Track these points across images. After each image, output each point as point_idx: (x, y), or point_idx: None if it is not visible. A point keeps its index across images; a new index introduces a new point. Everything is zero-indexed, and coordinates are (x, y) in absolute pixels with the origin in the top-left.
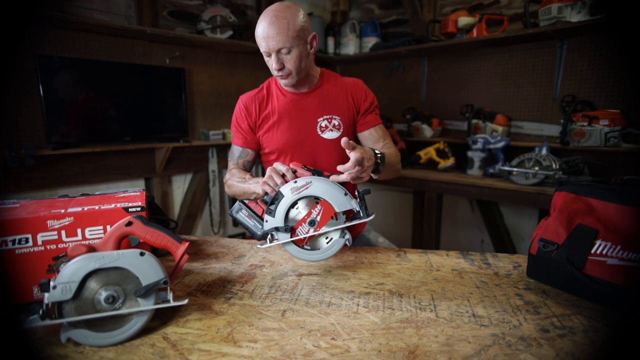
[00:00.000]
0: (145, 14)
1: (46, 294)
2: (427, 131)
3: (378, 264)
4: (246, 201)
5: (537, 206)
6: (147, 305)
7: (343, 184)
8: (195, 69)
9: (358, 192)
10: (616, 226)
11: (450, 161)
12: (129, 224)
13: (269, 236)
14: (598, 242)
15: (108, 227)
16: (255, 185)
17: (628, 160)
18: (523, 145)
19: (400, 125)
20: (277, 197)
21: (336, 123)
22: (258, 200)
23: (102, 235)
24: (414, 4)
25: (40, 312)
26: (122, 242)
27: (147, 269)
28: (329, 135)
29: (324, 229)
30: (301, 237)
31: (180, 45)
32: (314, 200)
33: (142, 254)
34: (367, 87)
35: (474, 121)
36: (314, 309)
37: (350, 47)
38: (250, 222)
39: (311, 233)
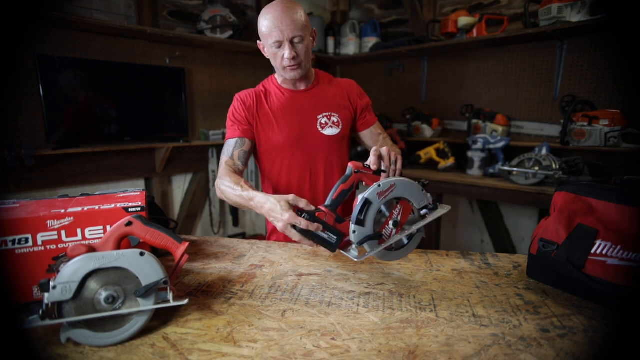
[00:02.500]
0: (145, 14)
1: (46, 294)
2: (427, 131)
3: (378, 264)
4: (312, 211)
5: (537, 206)
6: (147, 305)
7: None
8: (195, 69)
9: (421, 183)
10: (616, 226)
11: (450, 161)
12: (129, 224)
13: (354, 246)
14: (598, 242)
15: (108, 227)
16: (253, 202)
17: (628, 160)
18: (523, 145)
19: (400, 125)
20: (364, 205)
21: (335, 120)
22: (324, 209)
23: (102, 235)
24: (414, 4)
25: (40, 312)
26: (122, 242)
27: (147, 269)
28: (330, 131)
29: (406, 228)
30: (388, 243)
31: (180, 45)
32: (394, 200)
33: (142, 254)
34: (360, 87)
35: (474, 121)
36: (314, 309)
37: (350, 47)
38: (325, 235)
39: (396, 237)
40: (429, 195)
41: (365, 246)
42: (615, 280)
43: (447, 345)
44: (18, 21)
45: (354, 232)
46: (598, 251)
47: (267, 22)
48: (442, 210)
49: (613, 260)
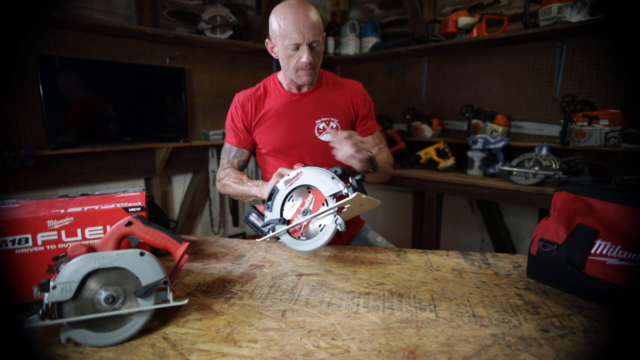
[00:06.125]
0: (145, 14)
1: (46, 294)
2: (427, 131)
3: (378, 264)
4: (256, 205)
5: (537, 206)
6: (147, 305)
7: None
8: (195, 69)
9: (352, 178)
10: (616, 226)
11: (450, 161)
12: (129, 224)
13: (269, 230)
14: (598, 242)
15: (108, 227)
16: (256, 189)
17: (628, 160)
18: (523, 145)
19: (400, 125)
20: (273, 193)
21: (334, 125)
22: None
23: (102, 235)
24: (414, 4)
25: (40, 312)
26: (122, 242)
27: (147, 269)
28: (326, 137)
29: (313, 215)
30: (293, 225)
31: (180, 45)
32: (306, 190)
33: (142, 254)
34: (366, 92)
35: (474, 121)
36: (314, 309)
37: (350, 47)
38: (259, 223)
39: (299, 220)
40: (341, 184)
41: (277, 230)
42: (615, 280)
43: (447, 345)
44: (18, 21)
45: (265, 217)
46: (598, 251)
47: (285, 23)
48: (350, 197)
49: (613, 260)
